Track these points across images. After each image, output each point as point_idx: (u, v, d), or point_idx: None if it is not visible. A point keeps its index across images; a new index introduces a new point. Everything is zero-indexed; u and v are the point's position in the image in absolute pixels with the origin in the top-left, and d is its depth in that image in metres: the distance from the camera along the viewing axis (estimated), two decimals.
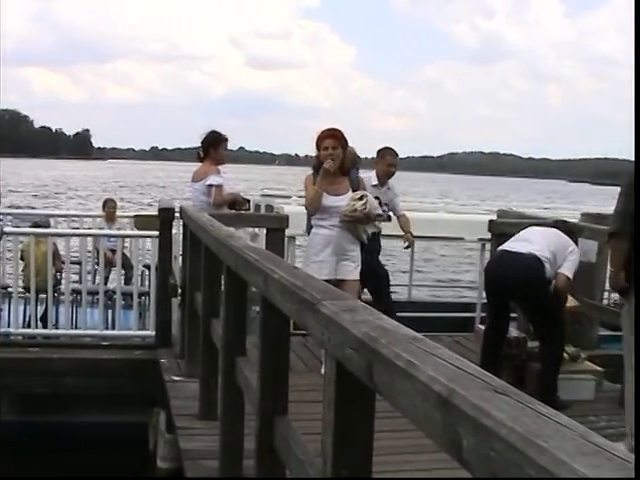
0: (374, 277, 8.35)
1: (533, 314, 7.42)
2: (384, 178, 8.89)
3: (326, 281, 6.76)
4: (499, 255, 7.27)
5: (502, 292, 7.17)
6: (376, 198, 7.78)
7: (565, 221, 7.86)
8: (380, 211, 7.75)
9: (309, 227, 7.53)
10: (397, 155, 9.14)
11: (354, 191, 7.46)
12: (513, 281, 7.11)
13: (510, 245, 7.16)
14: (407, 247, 9.27)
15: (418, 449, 4.90)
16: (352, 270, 7.33)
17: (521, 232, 7.37)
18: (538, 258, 6.93)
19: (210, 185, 8.63)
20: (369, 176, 8.63)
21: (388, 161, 8.86)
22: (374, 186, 8.59)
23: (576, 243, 7.37)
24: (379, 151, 9.00)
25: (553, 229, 7.35)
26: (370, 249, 7.99)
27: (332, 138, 7.20)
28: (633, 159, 5.81)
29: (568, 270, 7.09)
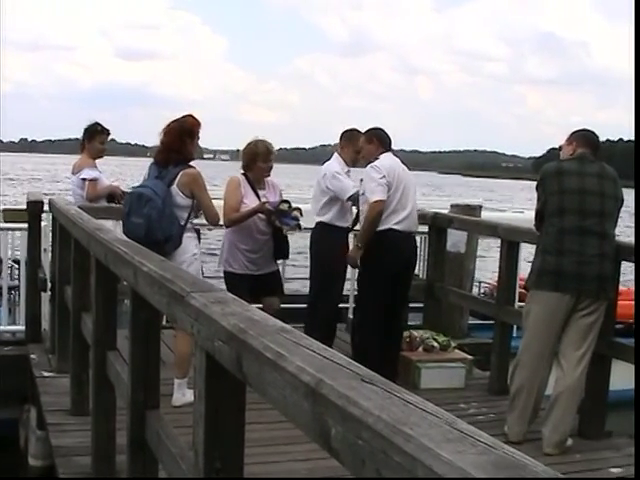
0: None
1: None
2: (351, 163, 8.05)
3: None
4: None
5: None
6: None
7: None
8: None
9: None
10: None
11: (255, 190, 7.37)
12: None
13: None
14: None
15: (293, 440, 4.91)
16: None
17: None
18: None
19: (83, 179, 8.48)
20: (328, 164, 7.96)
21: (356, 146, 7.86)
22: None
23: None
24: (350, 134, 8.08)
25: None
26: None
27: None
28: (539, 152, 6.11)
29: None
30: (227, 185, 7.45)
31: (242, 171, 7.47)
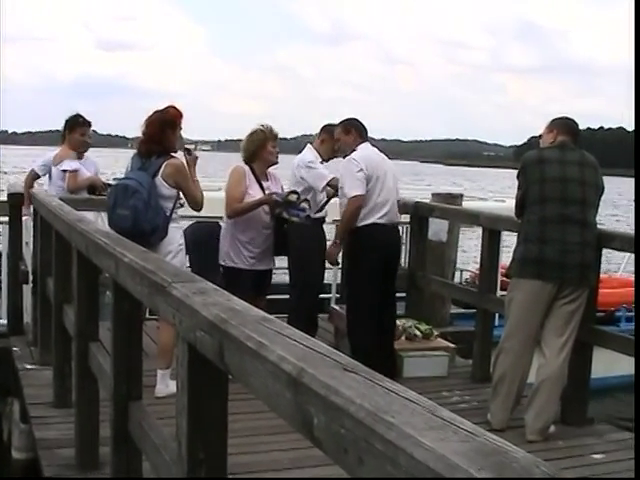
0: None
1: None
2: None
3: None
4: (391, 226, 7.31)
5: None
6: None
7: None
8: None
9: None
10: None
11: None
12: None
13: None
14: None
15: (276, 430, 4.92)
16: None
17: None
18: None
19: (64, 170, 8.45)
20: (302, 155, 7.85)
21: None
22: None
23: None
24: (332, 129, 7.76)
25: None
26: None
27: None
28: (533, 144, 6.11)
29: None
30: (231, 175, 7.24)
31: (244, 162, 7.22)
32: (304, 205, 7.12)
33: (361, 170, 6.95)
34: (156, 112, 6.56)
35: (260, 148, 7.14)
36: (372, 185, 7.02)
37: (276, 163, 7.33)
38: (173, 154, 6.55)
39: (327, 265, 8.05)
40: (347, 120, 7.43)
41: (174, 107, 6.64)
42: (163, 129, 6.46)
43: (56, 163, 8.60)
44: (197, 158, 6.79)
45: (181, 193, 6.55)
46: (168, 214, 6.43)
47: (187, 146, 6.70)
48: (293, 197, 7.05)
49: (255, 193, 7.07)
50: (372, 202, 7.03)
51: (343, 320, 7.63)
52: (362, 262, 7.12)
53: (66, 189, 8.39)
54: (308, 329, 7.09)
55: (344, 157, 7.30)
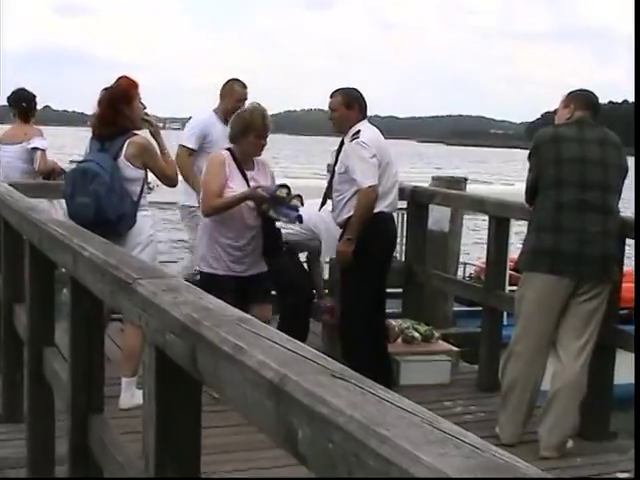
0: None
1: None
2: None
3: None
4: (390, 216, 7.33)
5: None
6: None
7: None
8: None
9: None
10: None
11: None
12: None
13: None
14: None
15: (256, 445, 4.89)
16: None
17: None
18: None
19: (35, 148, 8.43)
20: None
21: None
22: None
23: None
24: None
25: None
26: None
27: None
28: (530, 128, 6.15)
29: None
30: (208, 163, 6.86)
31: (227, 145, 6.86)
32: (295, 202, 6.69)
33: (374, 156, 6.89)
34: (105, 89, 6.48)
35: (241, 134, 6.70)
36: (382, 171, 6.98)
37: (256, 155, 6.87)
38: (136, 131, 6.49)
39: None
40: (347, 90, 7.29)
41: (126, 77, 6.53)
42: (115, 107, 6.36)
43: (18, 141, 8.57)
44: (159, 127, 6.72)
45: (150, 173, 6.53)
46: (136, 199, 6.37)
47: (145, 117, 6.59)
48: (282, 192, 6.60)
49: (237, 186, 6.61)
50: (380, 190, 6.98)
51: (332, 319, 7.64)
52: (368, 255, 7.03)
53: (37, 170, 8.39)
54: (301, 337, 7.09)
55: (338, 131, 7.25)
